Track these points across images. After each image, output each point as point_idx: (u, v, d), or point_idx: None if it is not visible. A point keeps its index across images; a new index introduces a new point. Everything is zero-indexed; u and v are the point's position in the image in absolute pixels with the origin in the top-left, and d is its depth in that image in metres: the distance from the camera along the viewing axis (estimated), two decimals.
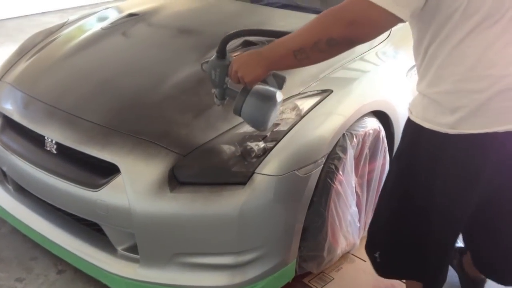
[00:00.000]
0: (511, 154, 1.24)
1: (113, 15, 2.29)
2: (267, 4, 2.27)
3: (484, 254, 1.50)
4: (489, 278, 1.59)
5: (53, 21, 4.24)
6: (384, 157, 1.97)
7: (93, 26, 2.20)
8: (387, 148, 1.96)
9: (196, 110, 1.63)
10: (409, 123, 1.33)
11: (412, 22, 1.25)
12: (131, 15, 2.25)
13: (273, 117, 1.34)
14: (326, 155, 1.64)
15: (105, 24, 2.18)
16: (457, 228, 1.40)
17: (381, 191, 1.54)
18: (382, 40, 2.01)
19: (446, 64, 1.18)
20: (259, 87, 1.32)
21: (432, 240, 1.37)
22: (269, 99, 1.31)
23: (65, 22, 2.34)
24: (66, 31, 2.22)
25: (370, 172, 1.93)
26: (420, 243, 1.39)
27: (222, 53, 1.34)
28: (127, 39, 2.05)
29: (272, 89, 1.33)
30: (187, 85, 1.72)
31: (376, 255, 1.50)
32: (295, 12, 2.19)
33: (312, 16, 1.98)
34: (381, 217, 1.49)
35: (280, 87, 1.34)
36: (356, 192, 1.87)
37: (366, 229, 2.01)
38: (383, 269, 1.52)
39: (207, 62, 1.37)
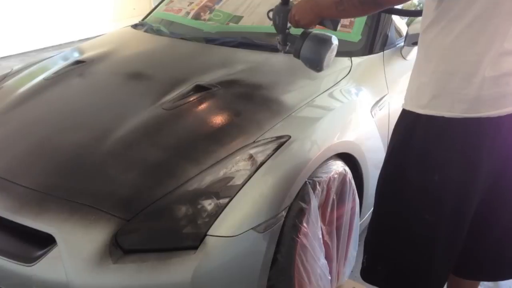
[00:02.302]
0: (505, 140, 1.22)
1: (58, 63, 2.14)
2: (222, 44, 2.16)
3: (472, 254, 1.41)
4: (477, 279, 1.53)
5: (14, 65, 4.08)
6: (354, 199, 1.84)
7: (36, 76, 2.05)
8: (355, 191, 1.84)
9: (141, 167, 1.49)
10: (403, 115, 1.32)
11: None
12: (77, 62, 2.11)
13: (328, 59, 1.51)
14: (287, 208, 1.50)
15: (48, 74, 2.03)
16: (464, 227, 1.31)
17: (375, 200, 1.47)
18: (343, 76, 1.91)
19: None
20: (317, 32, 1.48)
21: (439, 245, 1.33)
22: (325, 42, 1.48)
23: (8, 73, 2.18)
24: (6, 83, 2.07)
25: (339, 218, 1.80)
26: (426, 250, 1.35)
27: (285, 0, 1.49)
28: (70, 90, 1.91)
29: (327, 34, 1.49)
30: (132, 139, 1.57)
31: (379, 267, 1.43)
32: (252, 51, 2.09)
33: (269, 55, 1.94)
34: (381, 232, 1.43)
35: (335, 28, 1.49)
36: (325, 241, 1.73)
37: (339, 279, 1.89)
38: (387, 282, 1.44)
39: (272, 10, 1.53)
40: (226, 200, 1.41)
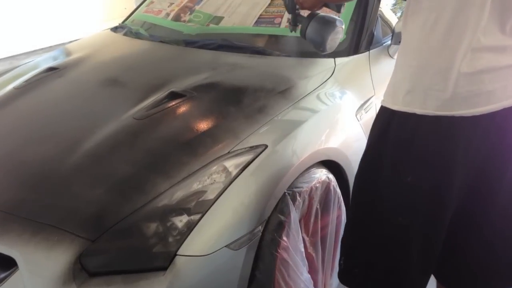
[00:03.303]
0: (483, 143, 1.15)
1: (31, 70, 2.06)
2: (202, 46, 2.07)
3: (459, 262, 1.34)
4: None
5: (2, 69, 4.00)
6: (339, 208, 1.76)
7: (7, 85, 1.97)
8: (341, 198, 1.76)
9: (109, 183, 1.40)
10: (380, 112, 1.28)
11: None
12: (50, 69, 2.02)
13: (332, 41, 1.55)
14: (264, 222, 1.42)
15: (19, 82, 1.95)
16: (440, 231, 1.25)
17: (351, 200, 1.44)
18: (326, 79, 1.82)
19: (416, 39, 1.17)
20: (323, 14, 1.53)
21: (414, 249, 1.26)
22: (329, 24, 1.52)
23: None
24: None
25: (324, 228, 1.72)
26: (399, 254, 1.29)
27: None
28: (40, 99, 1.82)
29: (333, 16, 1.55)
30: (100, 151, 1.49)
31: (356, 270, 1.38)
32: (232, 53, 2.00)
33: (249, 57, 1.95)
34: (355, 233, 1.38)
35: (338, 10, 1.56)
36: (309, 253, 1.65)
37: None
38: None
39: None
40: (198, 216, 1.33)
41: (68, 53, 2.22)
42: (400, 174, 1.23)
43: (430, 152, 1.18)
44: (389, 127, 1.23)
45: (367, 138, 1.35)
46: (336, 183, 1.71)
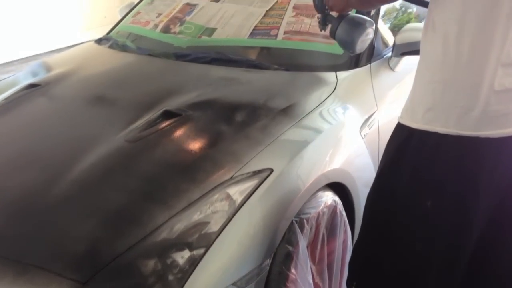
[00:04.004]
0: (508, 165, 1.08)
1: (9, 87, 1.90)
2: (194, 60, 1.95)
3: None
4: None
5: None
6: (345, 231, 1.66)
7: None
8: (346, 222, 1.66)
9: (101, 215, 1.27)
10: (396, 130, 1.20)
11: None
12: (31, 86, 1.87)
13: (362, 43, 1.53)
14: (272, 254, 1.31)
15: None
16: (461, 260, 1.16)
17: (362, 222, 1.34)
18: (329, 94, 1.72)
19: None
20: (353, 14, 1.51)
21: (432, 279, 1.18)
22: (359, 25, 1.50)
23: None
24: None
25: (330, 254, 1.61)
26: (416, 284, 1.20)
27: None
28: (21, 120, 1.68)
29: (363, 17, 1.53)
30: (89, 179, 1.36)
31: None
32: (226, 67, 1.88)
33: (245, 71, 1.85)
34: (367, 259, 1.30)
35: (368, 13, 1.63)
36: (316, 283, 1.54)
37: None
38: None
39: None
40: (202, 251, 1.20)
41: (49, 68, 2.08)
42: (419, 198, 1.15)
43: (452, 174, 1.10)
44: (407, 146, 1.16)
45: (381, 157, 1.27)
46: (342, 206, 1.61)
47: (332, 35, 1.52)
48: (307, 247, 1.49)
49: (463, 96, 1.05)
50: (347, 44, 1.53)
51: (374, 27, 1.56)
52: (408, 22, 2.22)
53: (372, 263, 1.26)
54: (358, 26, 1.51)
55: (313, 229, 1.47)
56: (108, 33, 2.42)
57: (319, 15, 1.56)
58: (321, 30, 1.58)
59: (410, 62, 2.02)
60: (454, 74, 1.06)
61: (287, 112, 1.58)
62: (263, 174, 1.35)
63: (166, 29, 2.20)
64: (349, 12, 1.50)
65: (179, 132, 1.50)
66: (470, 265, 1.18)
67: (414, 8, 2.31)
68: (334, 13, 1.50)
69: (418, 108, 1.13)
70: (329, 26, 1.53)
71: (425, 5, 1.45)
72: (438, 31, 1.09)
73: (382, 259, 1.23)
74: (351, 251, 1.72)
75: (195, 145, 1.46)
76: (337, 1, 1.40)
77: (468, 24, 1.04)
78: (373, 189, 1.26)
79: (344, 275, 1.72)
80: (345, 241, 1.67)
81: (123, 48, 2.18)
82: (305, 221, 1.40)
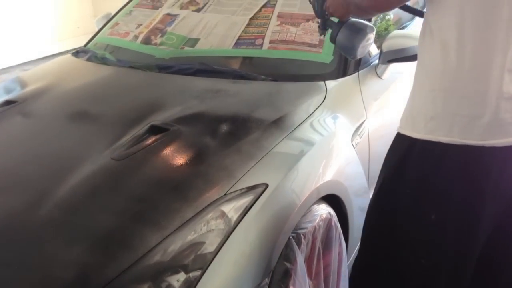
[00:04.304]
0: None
1: None
2: (178, 72, 1.90)
3: None
4: None
5: None
6: (340, 244, 1.62)
7: None
8: (341, 234, 1.62)
9: (88, 239, 1.20)
10: (397, 140, 1.16)
11: None
12: (7, 103, 1.78)
13: (362, 48, 1.52)
14: (271, 273, 1.25)
15: None
16: (467, 272, 1.14)
17: (362, 237, 1.33)
18: (319, 104, 1.69)
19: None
20: (354, 20, 1.48)
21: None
22: (360, 31, 1.49)
23: None
24: None
25: (327, 267, 1.57)
26: None
27: None
28: None
29: (364, 22, 1.50)
30: (74, 202, 1.28)
31: None
32: (212, 79, 1.83)
33: (232, 82, 1.79)
34: (369, 275, 1.28)
35: (369, 19, 1.58)
36: None
37: None
38: None
39: None
40: (198, 273, 1.15)
41: (25, 83, 1.99)
42: (423, 211, 1.12)
43: (457, 186, 1.08)
44: (409, 157, 1.13)
45: (381, 169, 1.23)
46: (337, 218, 1.57)
47: (333, 40, 1.51)
48: (304, 262, 1.44)
49: (467, 104, 1.03)
50: (348, 49, 1.52)
51: (374, 32, 1.54)
52: (386, 29, 2.21)
53: (375, 279, 1.22)
54: (359, 32, 1.49)
55: (310, 244, 1.43)
56: (85, 45, 2.34)
57: (319, 20, 1.54)
58: (320, 35, 1.60)
59: (396, 70, 2.02)
60: (456, 82, 1.04)
61: (278, 124, 1.54)
62: (258, 189, 1.30)
63: (147, 40, 2.13)
64: (349, 17, 1.48)
65: (167, 148, 1.44)
66: (476, 273, 1.15)
67: (391, 15, 2.31)
68: (334, 18, 1.49)
69: (419, 117, 1.10)
70: (329, 31, 1.52)
71: (420, 14, 1.43)
72: (436, 39, 1.07)
73: (385, 275, 1.19)
74: (346, 263, 1.69)
75: (186, 161, 1.40)
76: (338, 7, 1.38)
77: (467, 31, 1.02)
78: (373, 203, 1.23)
79: (341, 286, 1.68)
80: (340, 253, 1.63)
81: (103, 60, 2.11)
82: (302, 236, 1.36)
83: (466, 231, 1.10)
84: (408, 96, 1.21)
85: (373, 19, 2.16)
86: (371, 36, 1.53)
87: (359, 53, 1.53)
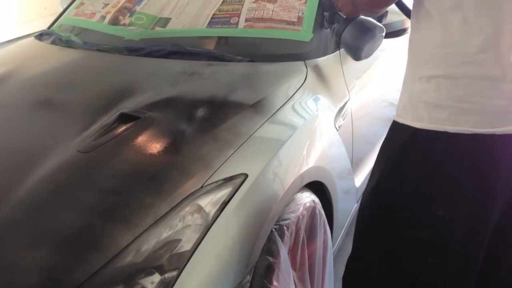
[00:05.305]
0: None
1: None
2: (148, 54, 1.78)
3: None
4: None
5: None
6: (325, 232, 1.56)
7: None
8: (326, 221, 1.56)
9: (53, 240, 1.10)
10: (394, 130, 1.06)
11: None
12: None
13: (370, 49, 1.44)
14: (253, 268, 1.18)
15: None
16: (475, 267, 1.08)
17: (357, 235, 1.22)
18: (300, 85, 1.60)
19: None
20: (363, 18, 1.41)
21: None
22: (367, 31, 1.40)
23: None
24: None
25: (311, 257, 1.51)
26: None
27: None
28: None
29: (374, 22, 1.42)
30: (37, 200, 1.18)
31: None
32: (185, 61, 1.72)
33: (207, 64, 1.69)
34: (368, 277, 1.17)
35: (379, 20, 1.46)
36: None
37: None
38: None
39: None
40: (174, 273, 1.06)
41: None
42: (428, 207, 1.03)
43: (467, 179, 0.99)
44: (410, 149, 1.03)
45: (377, 161, 1.14)
46: (321, 205, 1.50)
47: (338, 36, 1.44)
48: (288, 254, 1.37)
49: (477, 90, 0.94)
50: (353, 49, 1.45)
51: (384, 33, 1.45)
52: None
53: (373, 279, 1.15)
54: (366, 32, 1.41)
55: (293, 234, 1.36)
56: (49, 27, 2.19)
57: (326, 13, 1.47)
58: (326, 28, 1.50)
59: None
60: (462, 67, 0.94)
61: (257, 108, 1.45)
62: (237, 180, 1.21)
63: (114, 21, 2.00)
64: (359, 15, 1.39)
65: (138, 138, 1.33)
66: (484, 263, 1.09)
67: None
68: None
69: (420, 105, 1.01)
70: (336, 25, 1.43)
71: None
72: (435, 21, 0.97)
73: (386, 274, 1.11)
74: (331, 249, 1.63)
75: (158, 152, 1.30)
76: (346, 3, 1.26)
77: (472, 10, 0.92)
78: (370, 198, 1.14)
79: (326, 275, 1.62)
80: (325, 241, 1.57)
81: (68, 43, 1.97)
82: (285, 227, 1.28)
83: (476, 227, 1.02)
84: (400, 80, 1.11)
85: None
86: (380, 37, 1.44)
87: (364, 55, 1.45)
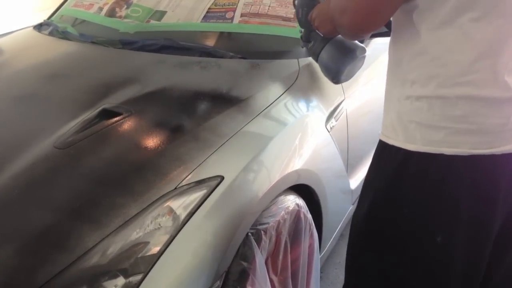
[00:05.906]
0: None
1: None
2: (142, 48, 1.75)
3: None
4: None
5: None
6: (311, 235, 1.52)
7: None
8: (313, 225, 1.51)
9: (17, 240, 1.08)
10: (383, 151, 0.99)
11: None
12: None
13: (350, 72, 1.32)
14: (224, 274, 1.14)
15: None
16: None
17: (350, 267, 1.15)
18: (291, 84, 1.55)
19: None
20: (342, 37, 1.26)
21: None
22: (348, 52, 1.27)
23: None
24: None
25: (295, 261, 1.46)
26: None
27: None
28: None
29: (354, 42, 1.29)
30: (8, 195, 1.16)
31: None
32: (176, 56, 1.69)
33: (197, 60, 1.63)
34: None
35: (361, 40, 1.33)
36: None
37: None
38: None
39: None
40: (139, 277, 1.03)
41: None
42: (426, 233, 0.97)
43: (466, 204, 0.93)
44: (403, 172, 0.96)
45: (367, 184, 1.08)
46: (307, 208, 1.46)
47: (315, 57, 1.30)
48: (267, 258, 1.33)
49: (473, 110, 0.88)
50: (331, 71, 1.31)
51: (365, 55, 1.32)
52: None
53: None
54: (346, 53, 1.27)
55: (273, 239, 1.31)
56: (49, 18, 2.18)
57: (302, 30, 1.33)
58: (302, 47, 1.36)
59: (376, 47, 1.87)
60: (456, 88, 0.88)
61: (242, 107, 1.41)
62: (212, 182, 1.18)
63: (111, 13, 1.98)
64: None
65: (117, 135, 1.31)
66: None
67: None
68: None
69: (411, 125, 0.94)
70: (312, 44, 1.29)
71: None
72: (423, 38, 0.90)
73: None
74: (318, 254, 1.58)
75: (134, 151, 1.27)
76: (325, 22, 1.17)
77: (467, 26, 0.86)
78: (362, 225, 1.07)
79: (312, 279, 1.58)
80: (311, 245, 1.53)
81: (64, 35, 1.96)
82: (262, 232, 1.24)
83: (477, 252, 0.97)
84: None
85: None
86: (362, 59, 1.31)
87: (344, 78, 1.32)
